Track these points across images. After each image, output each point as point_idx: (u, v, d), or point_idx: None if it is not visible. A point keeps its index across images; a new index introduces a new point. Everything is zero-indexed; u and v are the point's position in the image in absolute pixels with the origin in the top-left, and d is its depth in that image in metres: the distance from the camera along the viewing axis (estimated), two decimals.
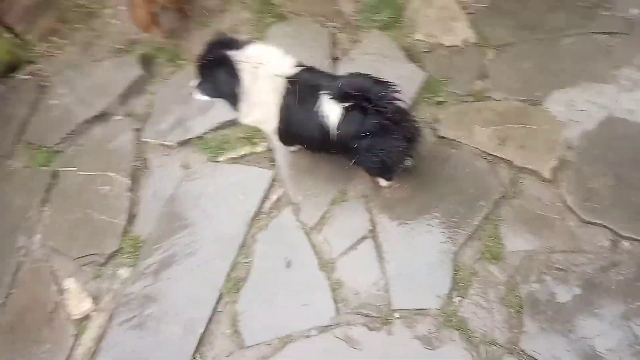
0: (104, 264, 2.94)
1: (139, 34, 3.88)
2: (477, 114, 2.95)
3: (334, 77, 2.49)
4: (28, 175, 3.39)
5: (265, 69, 2.41)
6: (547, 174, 2.65)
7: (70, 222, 3.12)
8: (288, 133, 2.61)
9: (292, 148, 2.98)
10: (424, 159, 2.77)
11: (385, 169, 2.59)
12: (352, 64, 3.36)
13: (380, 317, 2.46)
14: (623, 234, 2.44)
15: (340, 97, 2.27)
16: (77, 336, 2.76)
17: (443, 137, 2.91)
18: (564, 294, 2.32)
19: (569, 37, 3.11)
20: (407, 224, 2.68)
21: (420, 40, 3.41)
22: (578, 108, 2.83)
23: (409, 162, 2.60)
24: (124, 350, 2.66)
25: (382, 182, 2.77)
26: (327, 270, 2.64)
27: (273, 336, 2.52)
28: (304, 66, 2.49)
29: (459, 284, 2.47)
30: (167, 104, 3.48)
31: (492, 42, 3.25)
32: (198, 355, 2.57)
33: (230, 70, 2.38)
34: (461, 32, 3.38)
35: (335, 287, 2.60)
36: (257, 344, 2.53)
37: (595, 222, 2.48)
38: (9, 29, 3.95)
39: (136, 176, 3.22)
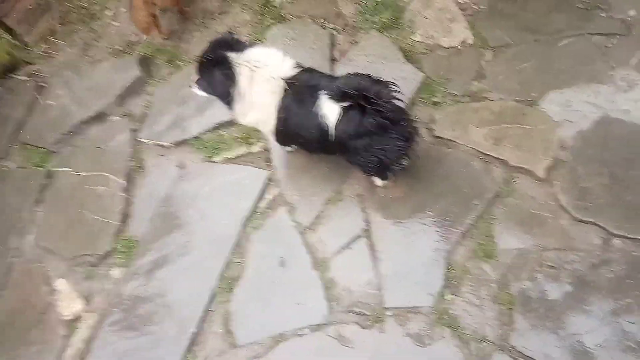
0: (96, 265, 3.11)
1: (138, 36, 4.10)
2: (474, 114, 3.11)
3: (332, 78, 2.64)
4: (23, 176, 3.58)
5: (263, 71, 2.57)
6: (541, 174, 2.80)
7: (63, 222, 3.30)
8: (286, 133, 2.76)
9: (289, 148, 3.14)
10: (420, 159, 2.92)
11: (382, 169, 2.73)
12: (351, 65, 3.53)
13: (373, 316, 2.59)
14: (615, 232, 2.57)
15: (338, 96, 2.41)
16: (67, 337, 2.91)
17: (439, 137, 3.07)
18: (555, 292, 2.45)
19: (567, 39, 3.28)
20: (401, 223, 2.82)
21: (418, 41, 3.59)
22: (574, 108, 2.98)
23: (405, 162, 2.74)
24: (115, 350, 2.81)
25: (378, 181, 2.92)
26: (320, 269, 2.79)
27: (265, 335, 2.67)
28: (303, 67, 2.65)
29: (451, 282, 2.60)
30: (164, 104, 3.67)
31: (490, 44, 3.42)
32: (190, 355, 2.71)
33: (227, 71, 2.55)
34: (459, 34, 3.56)
35: (329, 286, 2.74)
36: (249, 343, 2.68)
37: (588, 221, 2.62)
38: (9, 30, 4.17)
39: (132, 176, 3.39)
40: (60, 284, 3.08)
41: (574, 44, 3.26)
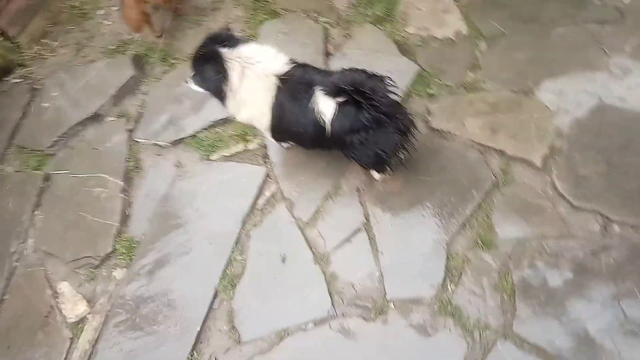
0: (98, 266, 3.09)
1: (131, 34, 4.07)
2: (469, 105, 3.12)
3: (326, 73, 2.62)
4: (20, 180, 3.54)
5: (255, 68, 2.56)
6: (538, 162, 2.81)
7: (63, 225, 3.27)
8: (281, 130, 2.76)
9: (285, 144, 3.13)
10: (417, 151, 2.91)
11: (379, 162, 2.74)
12: (345, 59, 3.53)
13: (376, 308, 2.60)
14: (614, 218, 2.59)
15: (333, 92, 2.40)
16: (72, 339, 2.89)
17: (435, 129, 3.07)
18: (555, 279, 2.47)
19: (561, 27, 3.29)
20: (400, 215, 2.83)
21: (412, 33, 3.59)
22: (569, 96, 2.99)
23: (402, 155, 2.74)
24: (120, 351, 2.79)
25: (376, 175, 2.92)
26: (322, 264, 2.79)
27: (269, 331, 2.67)
28: (296, 63, 2.64)
29: (452, 273, 2.61)
30: (159, 103, 3.65)
31: (484, 34, 3.43)
32: (195, 353, 2.70)
33: (218, 66, 2.54)
34: (453, 25, 3.56)
35: (331, 280, 2.74)
36: (253, 339, 2.68)
37: (586, 208, 2.63)
38: (0, 32, 4.12)
39: (129, 177, 3.37)
40: (63, 287, 3.06)
41: (568, 32, 3.27)
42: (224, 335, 2.72)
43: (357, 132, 2.45)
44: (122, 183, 3.32)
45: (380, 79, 2.45)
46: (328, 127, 2.47)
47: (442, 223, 2.74)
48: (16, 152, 3.70)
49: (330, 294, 2.69)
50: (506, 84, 3.16)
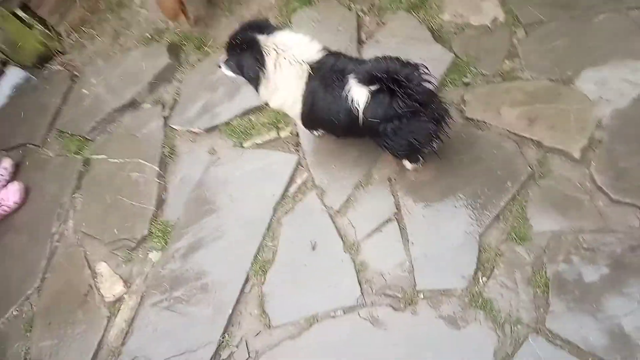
0: (134, 248, 3.17)
1: (166, 23, 4.11)
2: (506, 94, 3.02)
3: (359, 61, 2.58)
4: (61, 163, 3.66)
5: (288, 55, 2.54)
6: (576, 154, 2.70)
7: (102, 208, 3.37)
8: (313, 117, 2.74)
9: (317, 132, 3.11)
10: (451, 141, 2.84)
11: (412, 152, 2.70)
12: (378, 47, 3.47)
13: (405, 298, 2.57)
14: None
15: (367, 80, 2.35)
16: (110, 318, 2.99)
17: (470, 119, 2.99)
18: (591, 274, 2.38)
19: (602, 14, 3.12)
20: (432, 206, 2.78)
21: (447, 20, 3.49)
22: (610, 86, 2.85)
23: (436, 145, 2.69)
24: (155, 330, 2.87)
25: (408, 164, 2.87)
26: (352, 252, 2.78)
27: (299, 316, 2.68)
28: (329, 51, 2.61)
29: (484, 265, 2.55)
30: (194, 91, 3.68)
31: (522, 21, 3.29)
32: (227, 335, 2.75)
33: (256, 54, 2.53)
34: (490, 11, 3.44)
35: (360, 268, 2.72)
36: (283, 324, 2.69)
37: (626, 202, 2.51)
38: (41, 21, 4.23)
39: (165, 163, 3.43)
40: (102, 267, 3.16)
41: (610, 19, 3.11)
42: (255, 319, 2.75)
43: (391, 120, 2.41)
44: (157, 168, 3.39)
45: (415, 67, 2.39)
46: (361, 115, 2.43)
47: (475, 215, 2.68)
48: (57, 136, 3.82)
49: (359, 282, 2.67)
50: (544, 73, 3.03)
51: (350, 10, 3.73)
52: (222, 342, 2.72)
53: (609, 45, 3.02)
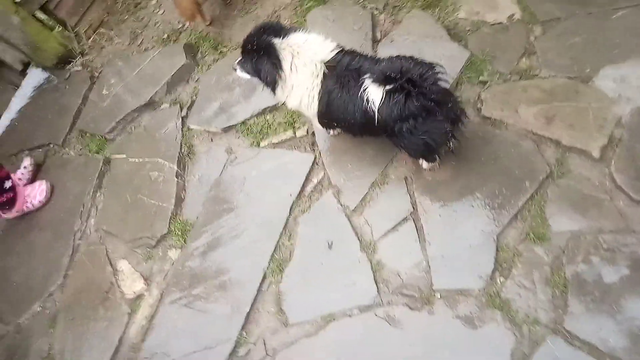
0: (154, 246, 3.18)
1: (182, 23, 4.12)
2: (523, 92, 2.96)
3: (375, 60, 2.54)
4: (82, 163, 3.69)
5: (304, 55, 2.53)
6: (596, 153, 2.64)
7: (122, 206, 3.39)
8: (329, 117, 2.72)
9: (333, 132, 3.09)
10: (467, 140, 2.81)
11: (428, 151, 2.66)
12: (393, 46, 3.43)
13: (422, 297, 2.54)
14: None
15: (381, 79, 2.33)
16: (130, 314, 3.01)
17: (487, 117, 2.94)
18: (611, 275, 2.33)
19: (621, 10, 3.04)
20: (448, 205, 2.74)
21: (463, 18, 3.43)
22: (630, 84, 2.78)
23: (452, 144, 2.65)
24: (174, 327, 2.88)
25: (424, 164, 2.84)
26: (368, 251, 2.75)
27: (316, 315, 2.67)
28: (344, 50, 2.59)
29: (502, 265, 2.51)
30: (211, 91, 3.68)
31: (539, 18, 3.23)
32: (244, 333, 2.75)
33: (271, 56, 2.53)
34: (506, 8, 3.37)
35: (377, 268, 2.70)
36: (300, 322, 2.69)
37: None
38: (61, 22, 4.25)
39: (183, 162, 3.44)
40: (123, 265, 3.18)
41: (629, 15, 3.03)
42: (272, 317, 2.75)
43: (406, 120, 2.37)
44: (176, 167, 3.39)
45: (430, 66, 2.35)
46: (376, 115, 2.41)
47: (492, 214, 2.63)
48: (78, 136, 3.84)
49: (376, 281, 2.65)
50: (562, 71, 2.97)
51: (364, 8, 3.69)
52: (240, 339, 2.73)
53: (628, 42, 2.94)
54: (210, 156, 3.41)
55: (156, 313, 2.97)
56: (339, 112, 2.59)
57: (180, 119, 3.62)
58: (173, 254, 3.12)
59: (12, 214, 3.48)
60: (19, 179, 3.57)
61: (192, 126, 3.57)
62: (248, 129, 3.41)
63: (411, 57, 2.40)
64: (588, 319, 2.27)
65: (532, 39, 3.18)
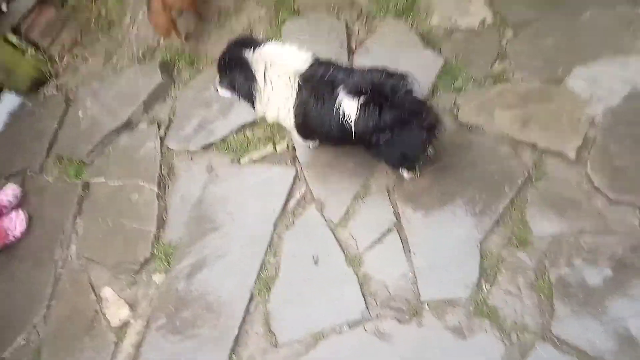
0: (138, 271, 3.09)
1: (157, 40, 4.03)
2: (498, 97, 2.95)
3: (349, 71, 2.51)
4: (60, 189, 3.58)
5: (277, 67, 2.49)
6: (571, 154, 2.64)
7: (103, 231, 3.29)
8: (306, 128, 2.68)
9: (312, 144, 3.04)
10: (445, 147, 2.79)
11: (406, 161, 2.65)
12: (369, 55, 3.40)
13: (410, 310, 2.51)
14: None
15: (355, 93, 2.30)
16: (117, 343, 2.92)
17: (464, 123, 2.92)
18: (594, 276, 2.32)
19: (590, 10, 3.05)
20: (431, 214, 2.71)
21: (436, 25, 3.40)
22: (602, 83, 2.78)
23: (430, 152, 2.63)
24: (162, 354, 2.80)
25: (405, 173, 2.81)
26: (354, 265, 2.71)
27: (305, 333, 2.61)
28: (319, 60, 2.55)
29: (487, 272, 2.49)
30: (189, 108, 3.60)
31: (510, 21, 3.22)
32: (234, 356, 2.68)
33: (245, 70, 2.50)
34: (478, 13, 3.36)
35: (364, 281, 2.66)
36: (290, 342, 2.63)
37: (624, 201, 2.45)
38: (34, 44, 4.14)
39: (164, 183, 3.36)
40: (107, 292, 3.09)
41: (598, 15, 3.04)
42: (261, 338, 2.69)
43: (382, 131, 2.35)
44: (156, 189, 3.31)
45: (401, 77, 2.34)
46: (353, 127, 2.37)
47: (474, 221, 2.61)
48: (55, 161, 3.73)
49: (363, 295, 2.61)
50: (536, 73, 2.96)
51: (339, 19, 3.65)
52: None
53: (598, 42, 2.95)
54: (190, 175, 3.34)
55: (143, 340, 2.88)
56: (316, 124, 2.56)
57: (159, 139, 3.53)
58: (157, 278, 3.04)
59: None
60: (4, 206, 3.45)
61: (171, 145, 3.49)
62: (228, 145, 3.35)
63: (382, 69, 2.38)
64: (574, 322, 2.26)
65: (505, 42, 3.17)
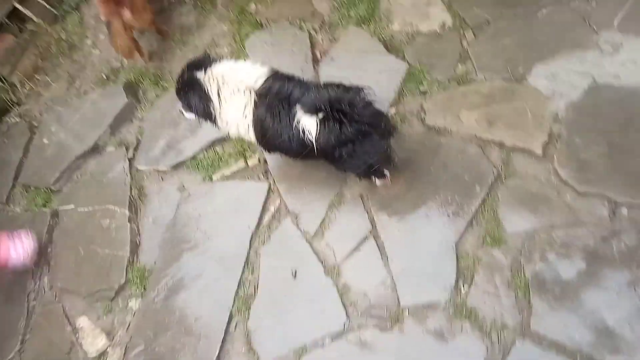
0: (113, 298, 2.97)
1: (120, 61, 3.93)
2: (463, 98, 2.94)
3: (305, 86, 2.44)
4: (29, 219, 3.42)
5: (231, 84, 2.44)
6: (538, 150, 2.64)
7: (76, 260, 3.16)
8: (268, 144, 2.63)
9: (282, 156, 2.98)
10: (415, 151, 2.77)
11: (371, 170, 2.60)
12: (334, 64, 3.37)
13: (391, 317, 2.46)
14: (621, 200, 2.41)
15: (313, 110, 2.27)
16: None
17: (431, 127, 2.91)
18: (568, 270, 2.32)
19: (545, 8, 3.09)
20: (405, 219, 2.68)
21: (397, 30, 3.40)
22: (562, 79, 2.81)
23: (393, 159, 2.61)
24: None
25: (377, 180, 2.78)
26: (333, 275, 2.66)
27: (287, 349, 2.54)
28: (275, 75, 2.48)
29: (464, 273, 2.47)
30: (156, 128, 3.51)
31: (469, 23, 3.24)
32: None
33: (198, 91, 2.47)
34: (437, 17, 3.37)
35: (343, 291, 2.61)
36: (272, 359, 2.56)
37: (592, 193, 2.47)
38: None
39: (135, 205, 3.25)
40: (82, 322, 2.96)
41: (554, 12, 3.08)
42: (243, 357, 2.60)
43: (344, 145, 2.32)
44: (128, 212, 3.20)
45: (357, 90, 2.31)
46: (314, 143, 2.33)
47: (448, 223, 2.59)
48: (22, 191, 3.58)
49: (344, 305, 2.56)
50: (497, 73, 2.97)
51: (302, 29, 3.61)
52: None
53: (556, 38, 2.98)
54: (162, 196, 3.24)
55: None
56: (276, 140, 2.50)
57: (127, 161, 3.42)
58: (134, 303, 2.93)
59: None
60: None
61: (140, 167, 3.38)
62: (198, 163, 3.26)
63: (339, 84, 2.35)
64: (552, 317, 2.24)
65: (465, 44, 3.18)
